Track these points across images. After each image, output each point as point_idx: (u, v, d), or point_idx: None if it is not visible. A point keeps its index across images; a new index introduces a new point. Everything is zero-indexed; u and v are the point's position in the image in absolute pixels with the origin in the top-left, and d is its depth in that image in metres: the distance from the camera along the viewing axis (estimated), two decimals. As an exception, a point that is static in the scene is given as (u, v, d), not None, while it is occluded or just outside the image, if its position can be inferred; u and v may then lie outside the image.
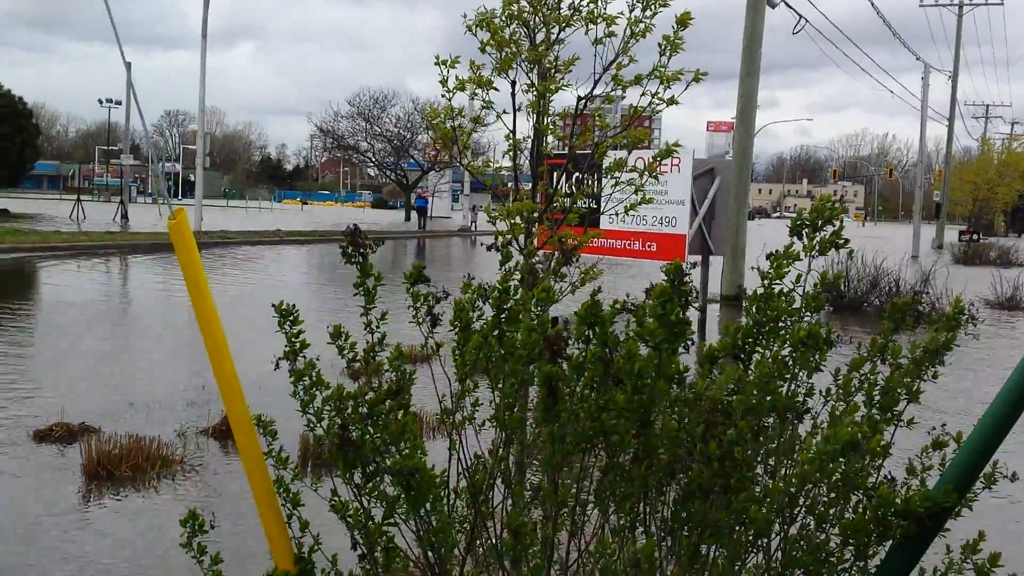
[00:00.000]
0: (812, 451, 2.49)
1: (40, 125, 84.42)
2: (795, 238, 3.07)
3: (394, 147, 64.82)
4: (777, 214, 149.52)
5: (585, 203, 5.56)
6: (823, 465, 2.41)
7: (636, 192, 5.20)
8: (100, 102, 66.81)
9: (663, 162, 5.96)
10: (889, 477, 2.87)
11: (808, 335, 2.75)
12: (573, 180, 8.59)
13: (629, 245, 14.72)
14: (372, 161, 69.60)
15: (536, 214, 4.98)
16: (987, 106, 78.34)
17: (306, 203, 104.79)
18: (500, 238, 3.39)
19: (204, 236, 31.52)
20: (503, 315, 2.78)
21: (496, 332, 2.82)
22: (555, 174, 5.76)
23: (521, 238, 4.90)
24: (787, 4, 22.01)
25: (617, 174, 5.17)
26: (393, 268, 23.67)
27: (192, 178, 59.19)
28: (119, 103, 58.01)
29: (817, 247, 3.00)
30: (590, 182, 5.94)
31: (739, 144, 20.28)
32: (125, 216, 40.21)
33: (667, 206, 14.08)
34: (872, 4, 31.32)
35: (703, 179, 14.92)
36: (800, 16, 23.55)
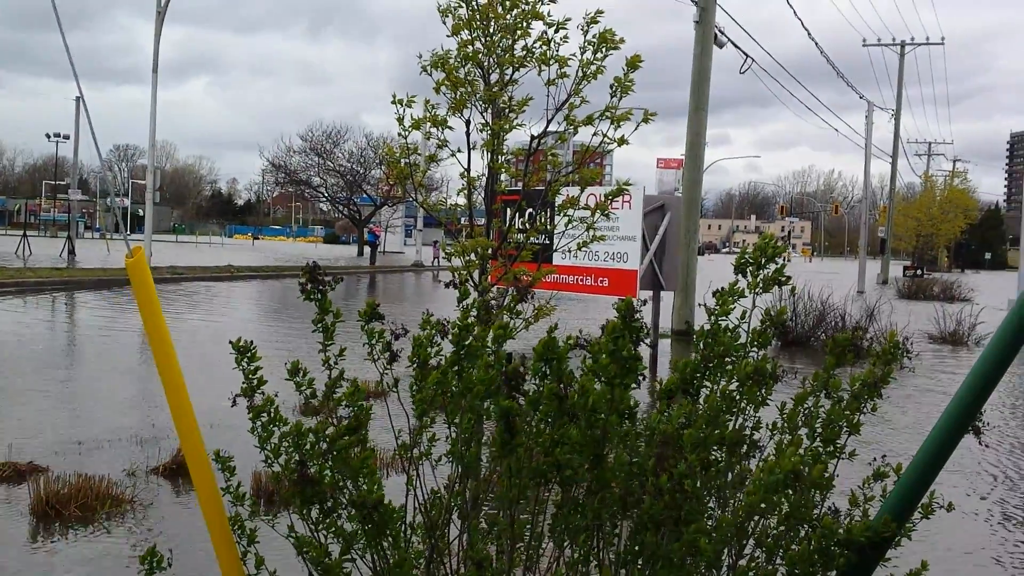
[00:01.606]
0: (757, 482, 2.57)
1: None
2: (739, 275, 3.18)
3: (347, 182, 64.77)
4: (726, 249, 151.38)
5: (538, 239, 5.65)
6: (767, 496, 2.49)
7: (588, 229, 5.31)
8: (48, 136, 65.89)
9: (615, 199, 6.10)
10: (833, 509, 2.97)
11: (755, 370, 2.85)
12: (526, 217, 8.71)
13: (581, 280, 14.85)
14: (325, 196, 69.49)
15: (490, 251, 5.07)
16: (929, 143, 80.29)
17: (257, 238, 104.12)
18: (457, 275, 3.46)
19: (153, 272, 31.13)
20: (462, 351, 2.84)
21: (455, 368, 2.88)
22: (508, 211, 5.86)
23: (476, 274, 4.98)
24: (734, 44, 22.50)
25: (570, 211, 5.28)
26: (346, 303, 23.58)
27: (141, 213, 58.58)
28: (67, 137, 57.30)
29: (761, 284, 3.11)
30: (543, 219, 6.06)
31: (688, 180, 20.60)
32: (72, 252, 39.60)
33: (618, 242, 14.25)
34: (816, 44, 32.09)
35: (653, 215, 15.13)
36: (747, 56, 24.07)
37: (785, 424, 3.13)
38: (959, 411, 2.48)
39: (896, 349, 3.08)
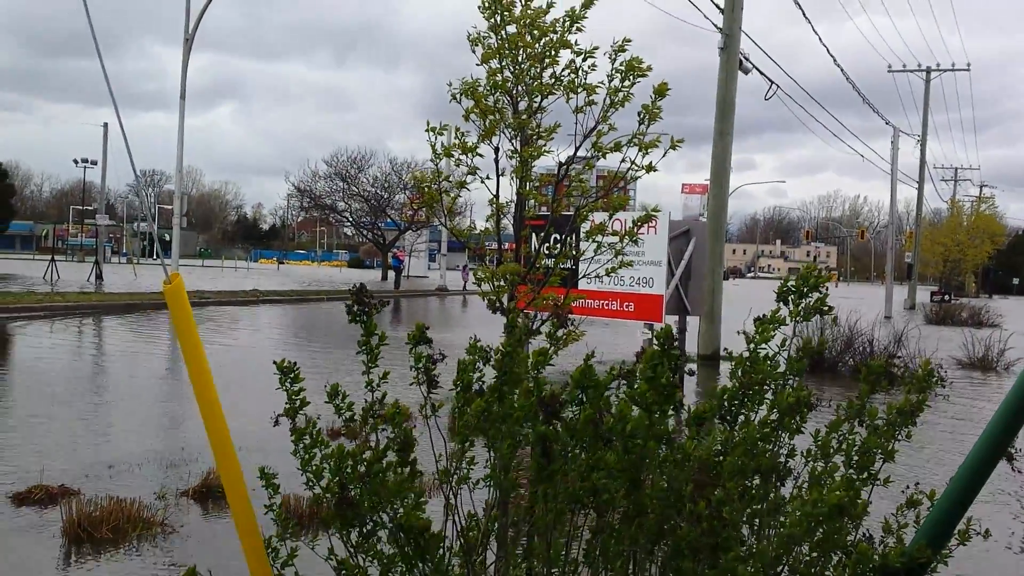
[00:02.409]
0: (798, 513, 2.57)
1: (15, 184, 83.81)
2: (781, 303, 3.20)
3: (371, 207, 65.11)
4: (751, 274, 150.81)
5: (566, 264, 5.66)
6: (809, 527, 2.50)
7: (616, 255, 5.33)
8: (75, 162, 66.75)
9: (643, 225, 6.13)
10: (867, 535, 2.97)
11: (796, 401, 2.86)
12: (553, 242, 8.75)
13: (607, 305, 14.86)
14: (349, 221, 69.86)
15: (520, 276, 5.10)
16: (956, 169, 79.90)
17: (282, 262, 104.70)
18: (497, 299, 3.49)
19: (180, 296, 31.40)
20: (506, 377, 2.87)
21: (497, 394, 2.91)
22: (534, 235, 5.89)
23: (505, 299, 5.01)
24: (759, 71, 22.53)
25: (598, 237, 5.30)
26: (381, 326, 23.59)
27: (167, 237, 59.14)
28: (95, 163, 58.00)
29: (803, 313, 3.13)
30: (570, 244, 6.08)
31: (713, 206, 20.61)
32: (100, 276, 40.02)
33: (644, 267, 14.26)
34: (842, 70, 32.09)
35: (679, 240, 15.13)
36: (772, 82, 24.09)
37: (819, 451, 3.14)
38: (993, 439, 2.48)
39: (931, 376, 3.09)
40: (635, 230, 5.34)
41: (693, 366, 14.95)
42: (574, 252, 8.60)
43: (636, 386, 2.72)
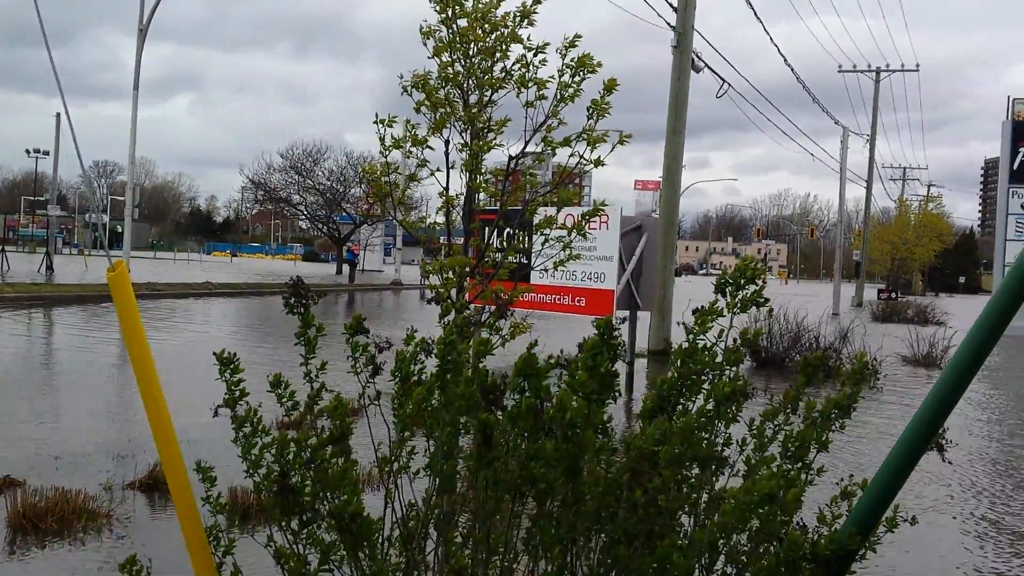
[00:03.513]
0: (732, 501, 2.63)
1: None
2: (719, 295, 3.26)
3: (326, 200, 64.66)
4: (703, 271, 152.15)
5: (515, 258, 5.71)
6: (743, 515, 2.56)
7: (564, 249, 5.39)
8: (27, 152, 65.57)
9: (592, 219, 6.18)
10: (801, 525, 3.04)
11: (732, 391, 2.92)
12: (504, 236, 8.77)
13: (559, 300, 14.92)
14: (304, 214, 69.33)
15: (468, 269, 5.13)
16: (904, 169, 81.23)
17: (236, 255, 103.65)
18: (437, 292, 3.52)
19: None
20: (447, 366, 2.90)
21: (438, 383, 2.94)
22: (486, 229, 5.93)
23: (454, 292, 5.04)
24: (711, 69, 22.74)
25: (547, 231, 5.35)
26: (325, 320, 23.50)
27: (120, 229, 58.31)
28: (47, 153, 57.01)
29: (739, 305, 3.19)
30: (521, 238, 6.13)
31: (665, 202, 20.77)
32: (50, 267, 39.39)
33: (596, 262, 14.34)
34: (792, 70, 32.48)
35: (631, 236, 15.24)
36: (723, 81, 24.33)
37: (754, 441, 3.21)
38: (919, 429, 2.56)
39: (865, 369, 3.17)
40: (583, 224, 5.40)
41: (645, 358, 15.12)
42: (525, 246, 8.67)
43: (576, 376, 2.76)
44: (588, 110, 5.14)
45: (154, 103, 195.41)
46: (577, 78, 5.21)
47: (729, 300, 3.12)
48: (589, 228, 15.71)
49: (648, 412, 3.09)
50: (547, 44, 5.08)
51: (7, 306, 24.47)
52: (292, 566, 2.88)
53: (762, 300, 3.14)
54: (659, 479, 2.68)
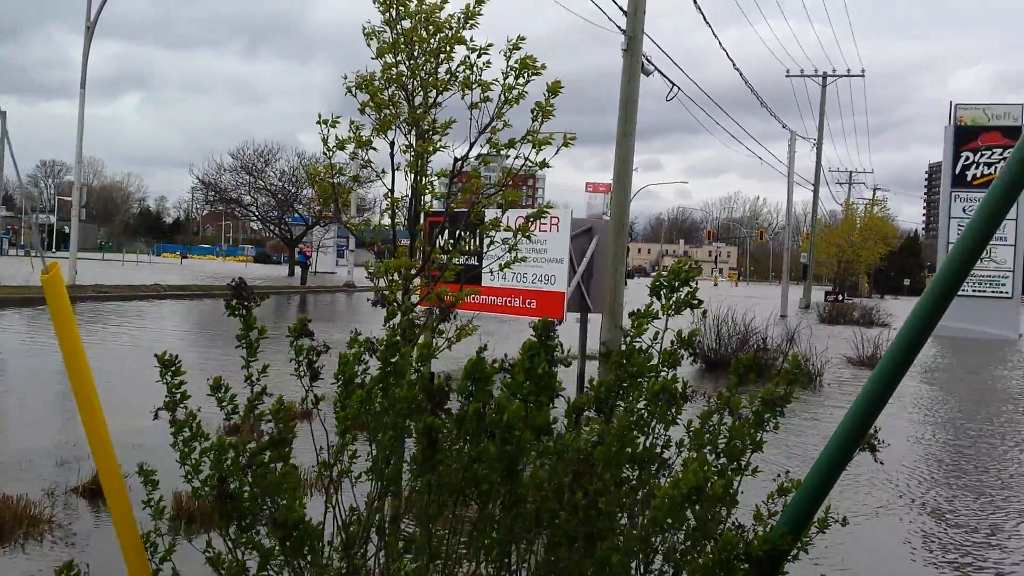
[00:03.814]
0: (663, 498, 2.67)
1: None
2: (654, 298, 3.30)
3: (278, 201, 64.06)
4: (656, 273, 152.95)
5: (463, 260, 5.68)
6: (672, 511, 2.59)
7: (510, 251, 5.41)
8: (-32, 150, 64.00)
9: (542, 221, 6.20)
10: (737, 524, 3.09)
11: (662, 389, 2.96)
12: (448, 238, 8.76)
13: (510, 302, 14.95)
14: (256, 215, 68.63)
15: (413, 271, 5.13)
16: (851, 172, 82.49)
17: (186, 256, 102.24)
18: (382, 294, 3.52)
19: (77, 290, 30.50)
20: (389, 369, 2.90)
21: (381, 385, 2.94)
22: (435, 231, 5.93)
23: (399, 294, 5.04)
24: (660, 72, 22.91)
25: (492, 233, 5.37)
26: (276, 323, 23.32)
27: (67, 230, 57.28)
28: (-12, 151, 55.78)
29: (673, 307, 3.23)
30: (468, 240, 6.14)
31: (616, 205, 20.87)
32: (-9, 268, 38.60)
33: (546, 264, 14.39)
34: (740, 74, 32.82)
35: (581, 238, 15.31)
36: (673, 84, 24.50)
37: (691, 442, 3.25)
38: (849, 430, 2.62)
39: (798, 370, 3.22)
40: (528, 226, 5.42)
41: (581, 361, 15.18)
42: (470, 248, 8.64)
43: (514, 378, 2.78)
44: (532, 112, 5.16)
45: (103, 102, 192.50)
46: (521, 80, 5.22)
47: (664, 303, 3.16)
48: (539, 230, 15.74)
49: (574, 410, 3.11)
50: (490, 45, 5.10)
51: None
52: (228, 572, 2.86)
53: (696, 302, 3.18)
54: (599, 481, 2.71)
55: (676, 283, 3.20)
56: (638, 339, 3.17)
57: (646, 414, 3.12)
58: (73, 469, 7.66)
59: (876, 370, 2.64)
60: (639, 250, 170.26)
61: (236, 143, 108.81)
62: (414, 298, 5.17)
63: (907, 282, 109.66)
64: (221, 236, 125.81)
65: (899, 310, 50.10)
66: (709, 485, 2.63)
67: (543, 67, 5.30)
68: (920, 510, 8.19)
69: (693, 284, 3.20)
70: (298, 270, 55.92)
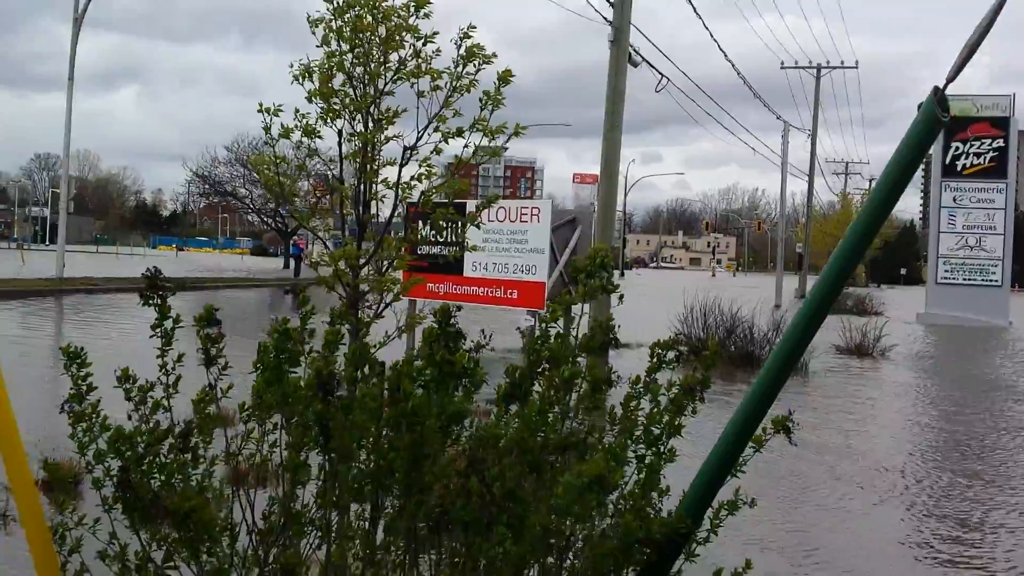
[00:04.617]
0: (565, 485, 2.62)
1: None
2: (572, 284, 3.26)
3: (273, 194, 63.94)
4: (655, 264, 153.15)
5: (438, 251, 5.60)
6: (573, 498, 2.55)
7: (458, 239, 5.37)
8: (-40, 144, 63.91)
9: (523, 211, 6.16)
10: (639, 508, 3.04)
11: (571, 375, 2.92)
12: (424, 227, 8.70)
13: (492, 292, 14.92)
14: (251, 207, 68.52)
15: (360, 260, 5.09)
16: (846, 163, 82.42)
17: (182, 249, 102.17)
18: (294, 285, 3.48)
19: (65, 283, 30.47)
20: (282, 356, 2.86)
21: (277, 374, 2.90)
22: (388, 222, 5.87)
23: (344, 283, 5.00)
24: (648, 63, 22.84)
25: (441, 222, 5.32)
26: (263, 315, 23.29)
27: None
28: (-20, 145, 55.60)
29: (588, 292, 3.20)
30: (418, 231, 6.05)
31: (603, 197, 20.82)
32: (-18, 262, 38.56)
33: (527, 254, 14.37)
34: (733, 66, 32.71)
35: (564, 229, 15.29)
36: (662, 75, 24.45)
37: (612, 428, 3.22)
38: (746, 413, 2.58)
39: (716, 356, 3.19)
40: (476, 215, 5.38)
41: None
42: (446, 239, 8.55)
43: (413, 364, 2.74)
44: (481, 101, 5.11)
45: (99, 94, 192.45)
46: (471, 68, 5.17)
47: (580, 288, 3.12)
48: (520, 221, 15.64)
49: (502, 399, 3.08)
50: (437, 33, 5.05)
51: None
52: (122, 567, 2.82)
53: (611, 287, 3.14)
54: (497, 467, 2.67)
55: (592, 269, 3.16)
56: (553, 324, 3.13)
57: (565, 400, 3.08)
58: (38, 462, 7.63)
59: (771, 356, 2.61)
60: (637, 241, 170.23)
61: (232, 135, 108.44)
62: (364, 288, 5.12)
63: (904, 271, 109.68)
64: (218, 229, 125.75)
65: (894, 299, 50.15)
66: (610, 474, 2.58)
67: (493, 56, 5.25)
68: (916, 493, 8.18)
69: (610, 269, 3.17)
70: (292, 262, 55.84)
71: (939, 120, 2.24)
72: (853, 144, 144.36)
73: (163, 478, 2.81)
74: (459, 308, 2.90)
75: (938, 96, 2.22)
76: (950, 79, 2.24)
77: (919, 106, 2.28)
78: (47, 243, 78.74)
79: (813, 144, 54.04)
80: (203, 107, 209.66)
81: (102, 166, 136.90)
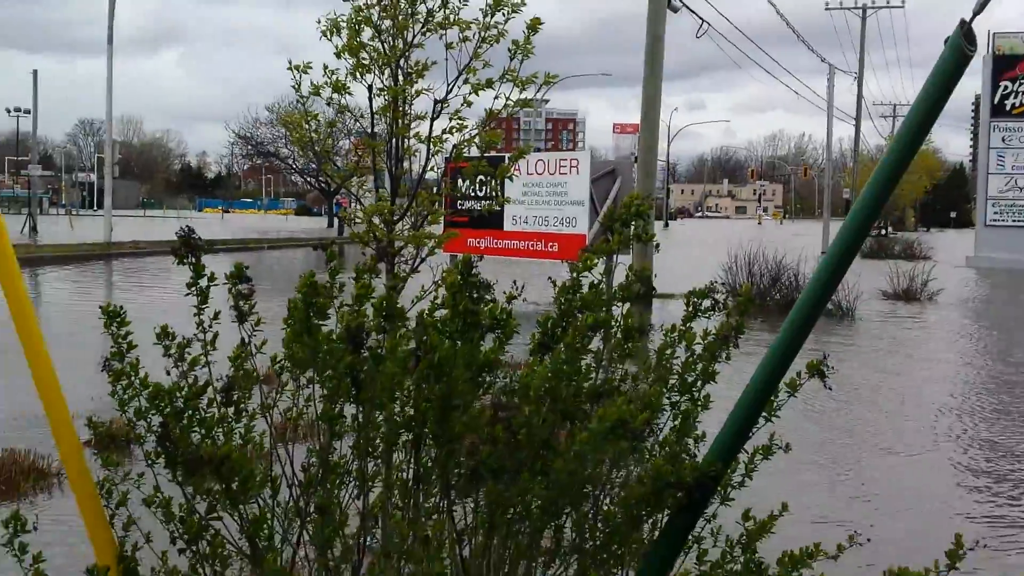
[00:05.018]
0: (590, 431, 2.63)
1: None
2: (607, 233, 3.25)
3: (315, 153, 64.24)
4: (700, 214, 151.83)
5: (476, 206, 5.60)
6: (598, 443, 2.56)
7: (496, 193, 5.36)
8: (8, 111, 64.92)
9: (561, 163, 6.15)
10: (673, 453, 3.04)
11: (595, 323, 2.92)
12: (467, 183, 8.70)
13: (532, 246, 14.93)
14: (294, 168, 68.98)
15: (395, 216, 5.10)
16: (894, 106, 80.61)
17: (227, 211, 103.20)
18: (321, 241, 3.50)
19: (113, 247, 30.98)
20: (312, 310, 2.89)
21: (307, 327, 2.93)
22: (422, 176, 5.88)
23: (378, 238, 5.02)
24: (688, 8, 22.46)
25: (475, 176, 5.31)
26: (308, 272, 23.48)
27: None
28: (27, 112, 56.39)
29: (624, 241, 3.18)
30: (447, 184, 6.06)
31: (644, 145, 20.61)
32: (34, 228, 39.28)
33: (567, 207, 14.33)
34: (775, 8, 32.08)
35: (604, 180, 15.21)
36: (703, 20, 24.04)
37: (647, 376, 3.22)
38: (777, 354, 2.57)
39: (749, 301, 3.17)
40: (508, 167, 5.36)
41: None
42: (485, 194, 8.59)
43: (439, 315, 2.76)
44: (510, 51, 5.06)
45: (141, 58, 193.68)
46: (500, 17, 5.12)
47: (615, 237, 3.11)
48: (559, 173, 15.62)
49: (537, 348, 3.08)
50: (465, -20, 5.00)
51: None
52: (167, 514, 2.90)
53: (647, 236, 3.13)
54: (521, 414, 2.69)
55: (628, 217, 3.14)
56: (586, 274, 3.12)
57: (598, 349, 3.09)
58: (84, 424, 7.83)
59: (802, 295, 2.58)
60: (681, 191, 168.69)
61: (274, 96, 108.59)
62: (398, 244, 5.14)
63: (953, 215, 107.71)
64: (262, 190, 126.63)
65: (944, 243, 49.33)
66: (632, 419, 2.58)
67: (522, 3, 5.19)
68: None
69: (646, 217, 3.15)
70: (337, 221, 56.23)
71: (966, 54, 2.19)
72: (901, 86, 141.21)
73: (203, 432, 2.86)
74: (481, 259, 2.89)
75: (964, 29, 2.16)
76: (976, 12, 2.18)
77: (945, 41, 2.22)
78: (95, 208, 79.91)
79: (860, 87, 52.98)
80: (245, 67, 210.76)
81: (146, 130, 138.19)
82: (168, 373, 3.07)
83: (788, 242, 24.53)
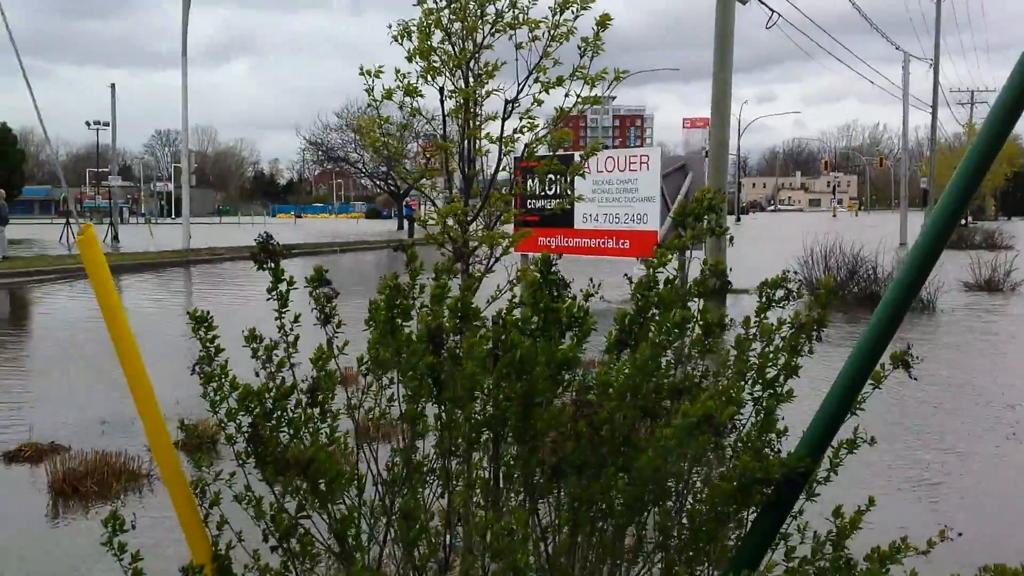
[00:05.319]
0: (674, 426, 2.62)
1: (29, 150, 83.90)
2: (679, 227, 3.24)
3: (384, 157, 64.96)
4: (772, 207, 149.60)
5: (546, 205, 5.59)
6: (681, 439, 2.55)
7: (567, 191, 5.36)
8: (88, 124, 66.82)
9: (631, 160, 6.14)
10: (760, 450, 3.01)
11: (682, 320, 2.90)
12: (538, 183, 8.71)
13: (603, 243, 14.89)
14: (363, 172, 69.87)
15: (468, 216, 5.14)
16: (972, 92, 78.38)
17: (300, 216, 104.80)
18: (401, 243, 3.54)
19: (192, 254, 31.69)
20: (395, 311, 2.93)
21: (391, 328, 2.97)
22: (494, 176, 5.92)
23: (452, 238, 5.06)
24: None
25: (546, 175, 5.32)
26: (377, 274, 23.78)
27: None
28: (107, 125, 57.92)
29: (697, 235, 3.17)
30: (519, 184, 6.07)
31: (714, 139, 20.36)
32: (116, 237, 40.36)
33: (638, 203, 14.26)
34: (846, -6, 31.37)
35: (675, 176, 15.10)
36: (772, 11, 23.67)
37: (725, 371, 3.19)
38: (867, 347, 2.53)
39: (831, 294, 3.13)
40: (581, 166, 5.36)
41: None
42: (522, 192, 8.57)
43: (521, 313, 2.78)
44: (579, 48, 5.07)
45: (212, 68, 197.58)
46: (568, 15, 5.13)
47: (688, 232, 3.10)
48: (629, 169, 15.58)
49: (613, 346, 3.08)
50: (534, -21, 5.01)
51: (70, 277, 25.13)
52: (258, 512, 2.96)
53: (720, 230, 3.10)
54: (603, 411, 2.69)
55: (701, 212, 3.12)
56: (661, 270, 3.11)
57: (673, 344, 3.07)
58: (173, 426, 8.02)
59: (891, 287, 2.54)
60: (753, 185, 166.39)
61: (346, 100, 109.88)
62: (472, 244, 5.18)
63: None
64: (333, 195, 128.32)
65: (1023, 232, 47.79)
66: (718, 413, 2.57)
67: (591, 0, 5.19)
68: None
69: (719, 211, 3.12)
70: (406, 224, 56.74)
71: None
72: (978, 71, 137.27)
73: (291, 432, 2.93)
74: (559, 257, 2.90)
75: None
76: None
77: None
78: (173, 216, 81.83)
79: (936, 73, 51.64)
80: (314, 75, 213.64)
81: (220, 139, 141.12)
82: (257, 375, 3.15)
83: (864, 234, 24.05)
